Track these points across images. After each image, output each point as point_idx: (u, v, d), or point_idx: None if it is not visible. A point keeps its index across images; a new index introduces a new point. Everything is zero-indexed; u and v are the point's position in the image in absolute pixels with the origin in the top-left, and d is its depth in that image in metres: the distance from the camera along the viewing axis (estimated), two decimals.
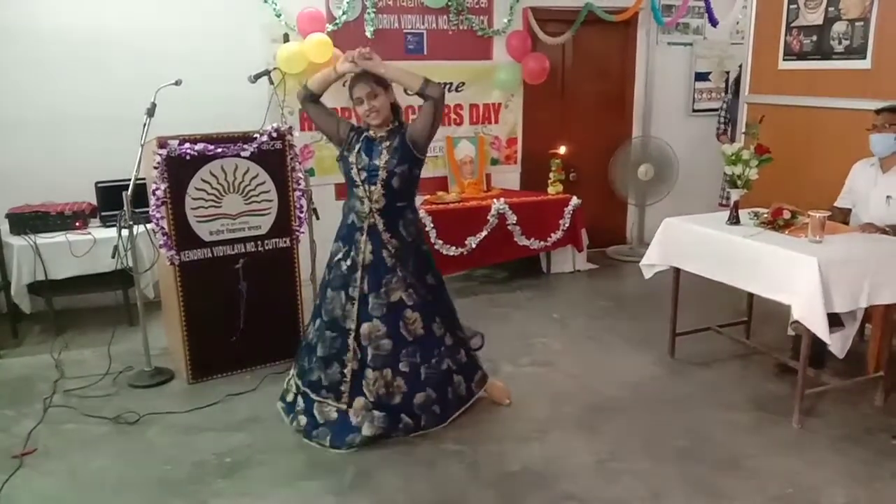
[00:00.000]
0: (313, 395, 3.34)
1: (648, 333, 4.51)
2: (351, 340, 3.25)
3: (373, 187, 3.17)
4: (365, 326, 3.24)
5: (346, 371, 3.27)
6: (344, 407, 3.27)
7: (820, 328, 3.12)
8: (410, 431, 3.29)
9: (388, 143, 3.19)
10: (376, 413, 3.24)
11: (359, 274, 3.22)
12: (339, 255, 3.28)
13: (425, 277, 3.36)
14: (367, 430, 3.22)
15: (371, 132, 3.25)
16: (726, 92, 6.70)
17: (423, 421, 3.32)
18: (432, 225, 5.21)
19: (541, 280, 5.89)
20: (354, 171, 3.19)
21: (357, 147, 3.22)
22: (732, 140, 5.75)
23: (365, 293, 3.23)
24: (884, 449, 3.21)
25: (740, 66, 5.86)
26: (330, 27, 5.38)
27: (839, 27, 4.65)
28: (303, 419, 3.35)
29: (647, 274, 4.11)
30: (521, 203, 5.60)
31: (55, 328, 4.65)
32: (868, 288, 3.24)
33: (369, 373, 3.25)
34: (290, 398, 3.49)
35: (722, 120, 6.43)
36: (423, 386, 3.31)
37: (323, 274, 3.44)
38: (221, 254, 3.88)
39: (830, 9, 4.69)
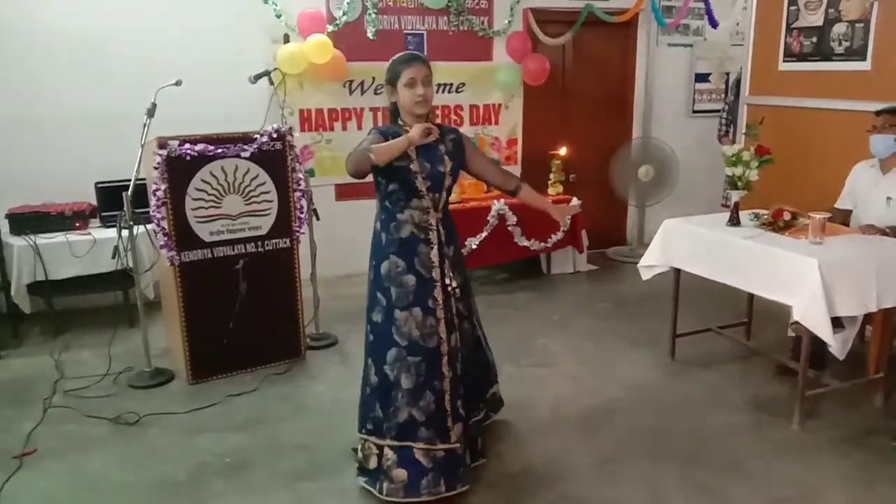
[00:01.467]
0: (412, 444, 2.81)
1: (649, 335, 4.51)
2: (443, 363, 2.85)
3: (437, 195, 2.86)
4: (452, 339, 2.89)
5: (445, 401, 2.84)
6: (456, 446, 2.86)
7: (823, 329, 3.12)
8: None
9: (443, 147, 2.88)
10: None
11: (436, 285, 2.86)
12: (400, 269, 2.84)
13: (466, 286, 3.09)
14: (469, 459, 2.96)
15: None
16: (727, 94, 6.70)
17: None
18: None
19: (541, 281, 5.89)
20: (419, 180, 2.79)
21: (413, 154, 2.78)
22: (734, 142, 5.75)
23: (440, 304, 2.86)
24: (884, 451, 3.21)
25: (741, 69, 5.86)
26: (330, 27, 5.38)
27: (839, 28, 4.65)
28: (401, 473, 2.81)
29: (645, 276, 4.10)
30: (521, 204, 5.58)
31: (55, 328, 4.65)
32: (876, 292, 3.24)
33: (462, 390, 2.93)
34: (372, 464, 2.91)
35: (723, 122, 6.42)
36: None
37: (373, 299, 2.91)
38: (222, 254, 3.88)
39: (831, 10, 4.70)
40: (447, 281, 2.88)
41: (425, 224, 2.85)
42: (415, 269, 2.84)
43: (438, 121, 5.87)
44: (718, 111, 6.62)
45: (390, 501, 2.81)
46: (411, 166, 2.77)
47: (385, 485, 2.83)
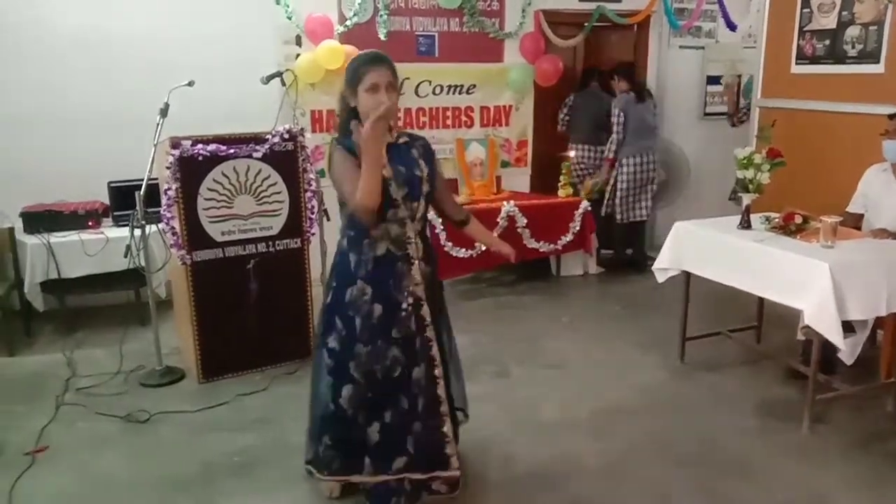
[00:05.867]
0: (360, 477, 2.73)
1: (658, 337, 4.49)
2: (401, 396, 2.64)
3: (416, 203, 2.55)
4: (416, 371, 2.64)
5: (394, 434, 2.67)
6: (391, 479, 2.69)
7: (833, 333, 3.11)
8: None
9: (416, 151, 2.60)
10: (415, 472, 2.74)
11: (407, 311, 2.59)
12: (367, 297, 2.56)
13: (443, 308, 2.82)
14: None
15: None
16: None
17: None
18: (442, 227, 5.20)
19: (550, 283, 5.89)
20: (393, 187, 2.48)
21: (384, 158, 2.46)
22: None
23: (412, 332, 2.61)
24: (894, 455, 3.20)
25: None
26: (340, 28, 5.40)
27: (853, 31, 4.63)
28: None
29: (661, 278, 4.09)
30: (530, 205, 5.59)
31: (68, 326, 4.68)
32: (886, 295, 3.22)
33: (417, 426, 2.67)
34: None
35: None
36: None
37: (329, 324, 2.65)
38: (233, 254, 3.90)
39: (844, 13, 4.67)
40: (421, 304, 2.62)
41: (403, 238, 2.55)
42: (385, 296, 2.56)
43: (438, 125, 5.90)
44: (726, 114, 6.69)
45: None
46: (383, 173, 2.43)
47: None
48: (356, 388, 2.61)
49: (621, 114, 5.81)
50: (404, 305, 2.59)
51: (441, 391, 2.72)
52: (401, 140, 2.61)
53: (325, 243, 4.38)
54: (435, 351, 2.69)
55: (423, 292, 2.62)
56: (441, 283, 2.83)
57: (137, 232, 3.83)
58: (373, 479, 2.70)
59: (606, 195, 6.05)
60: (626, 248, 6.25)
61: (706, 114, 6.86)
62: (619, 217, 5.99)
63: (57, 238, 4.47)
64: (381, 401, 2.63)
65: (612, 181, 6.00)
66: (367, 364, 2.58)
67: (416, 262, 2.59)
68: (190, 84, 3.89)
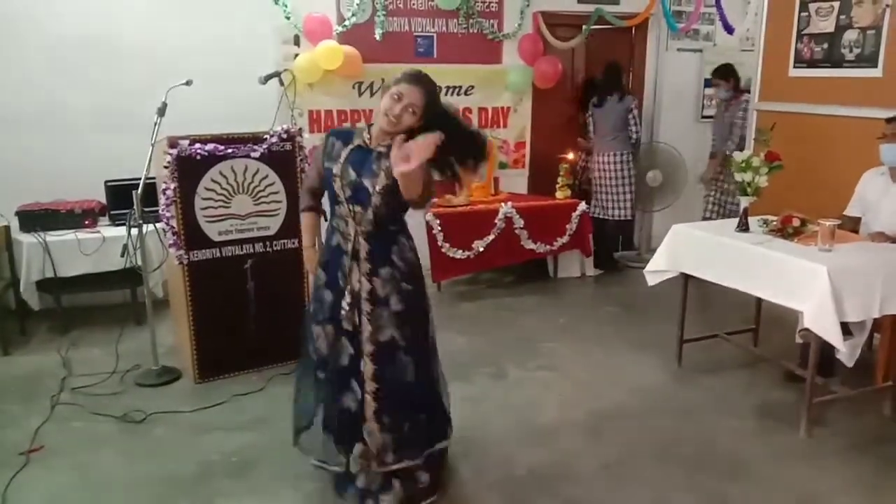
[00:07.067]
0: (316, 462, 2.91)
1: (655, 339, 4.49)
2: (352, 382, 2.72)
3: (359, 208, 2.61)
4: (362, 363, 2.71)
5: (348, 422, 2.75)
6: (338, 469, 2.83)
7: (833, 335, 3.11)
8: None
9: (387, 164, 2.52)
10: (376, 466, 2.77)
11: (348, 302, 2.68)
12: (321, 283, 2.75)
13: (419, 315, 2.80)
14: (362, 482, 2.78)
15: (365, 140, 2.64)
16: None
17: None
18: (440, 228, 5.22)
19: (548, 284, 5.89)
20: (338, 184, 2.61)
21: (342, 156, 2.62)
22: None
23: (357, 326, 2.69)
24: (891, 459, 3.20)
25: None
26: (339, 28, 5.39)
27: (850, 35, 4.64)
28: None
29: (652, 281, 4.09)
30: (528, 207, 5.60)
31: (63, 326, 4.66)
32: (880, 298, 3.23)
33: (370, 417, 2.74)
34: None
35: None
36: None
37: (308, 307, 2.88)
38: (230, 254, 3.89)
39: (842, 17, 4.68)
40: (362, 305, 2.66)
41: (347, 235, 2.66)
42: (333, 285, 2.69)
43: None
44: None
45: None
46: (333, 168, 2.62)
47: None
48: (310, 363, 2.80)
49: (590, 115, 6.16)
50: (344, 304, 2.67)
51: (369, 391, 2.71)
52: (380, 147, 2.59)
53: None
54: (370, 350, 2.68)
55: (366, 293, 2.65)
56: (411, 292, 2.73)
57: (134, 231, 3.82)
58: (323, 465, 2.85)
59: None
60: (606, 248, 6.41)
61: (703, 117, 6.86)
62: (592, 213, 6.10)
63: (53, 237, 4.45)
64: (334, 385, 2.75)
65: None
66: (318, 342, 2.74)
67: (362, 261, 2.65)
68: (188, 83, 3.88)
